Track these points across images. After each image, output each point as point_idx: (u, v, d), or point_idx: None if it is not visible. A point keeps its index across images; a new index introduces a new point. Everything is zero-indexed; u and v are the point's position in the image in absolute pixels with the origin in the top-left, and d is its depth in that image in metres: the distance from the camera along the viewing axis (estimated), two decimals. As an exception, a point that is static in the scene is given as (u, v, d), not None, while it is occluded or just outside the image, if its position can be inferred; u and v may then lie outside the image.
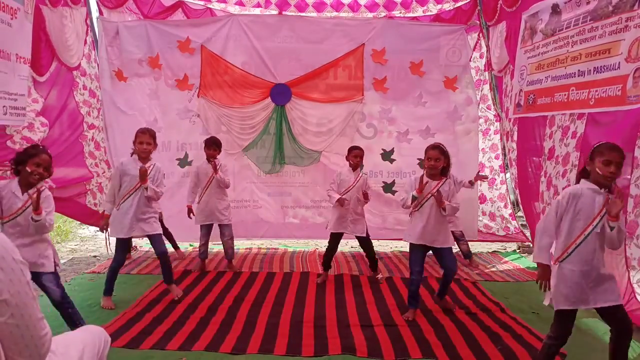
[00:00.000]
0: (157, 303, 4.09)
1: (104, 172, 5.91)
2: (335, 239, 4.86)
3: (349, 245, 6.71)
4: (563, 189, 4.31)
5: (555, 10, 4.40)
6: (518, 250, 6.45)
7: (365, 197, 4.66)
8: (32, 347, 1.29)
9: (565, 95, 4.20)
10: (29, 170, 2.98)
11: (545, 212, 2.83)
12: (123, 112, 6.13)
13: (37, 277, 3.07)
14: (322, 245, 6.70)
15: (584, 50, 3.95)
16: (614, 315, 2.69)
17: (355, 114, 6.36)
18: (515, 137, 5.46)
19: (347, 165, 4.82)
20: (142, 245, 6.49)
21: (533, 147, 5.12)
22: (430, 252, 3.96)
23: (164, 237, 4.45)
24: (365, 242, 4.86)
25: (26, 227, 3.06)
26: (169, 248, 5.96)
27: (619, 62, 3.51)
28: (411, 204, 3.82)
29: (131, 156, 4.10)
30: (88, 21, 5.62)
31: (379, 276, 4.99)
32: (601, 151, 2.64)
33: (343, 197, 4.60)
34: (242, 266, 5.40)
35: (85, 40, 5.55)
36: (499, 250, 6.64)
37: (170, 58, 6.16)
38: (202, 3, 6.57)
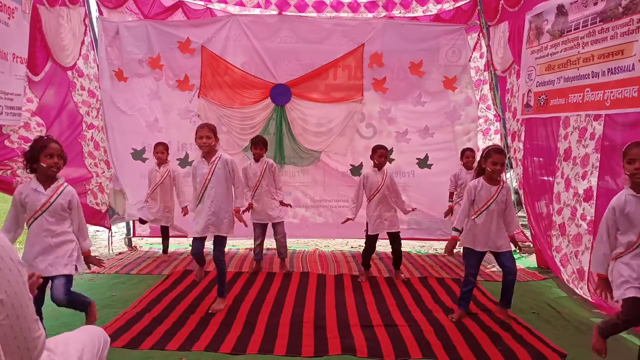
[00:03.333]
0: (157, 303, 4.08)
1: (104, 172, 5.89)
2: (372, 240, 4.84)
3: (349, 245, 6.70)
4: (584, 190, 4.29)
5: (561, 10, 4.36)
6: (518, 251, 6.42)
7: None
8: (24, 350, 1.27)
9: (580, 96, 4.17)
10: (45, 165, 2.85)
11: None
12: (123, 112, 6.15)
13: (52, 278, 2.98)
14: (322, 245, 6.71)
15: (596, 52, 3.92)
16: None
17: (355, 114, 6.37)
18: (522, 138, 5.42)
19: (370, 166, 4.82)
20: (142, 245, 6.49)
21: (542, 148, 5.08)
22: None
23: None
24: (396, 237, 4.85)
25: (54, 224, 2.94)
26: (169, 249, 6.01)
27: (633, 64, 3.50)
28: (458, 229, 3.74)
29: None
30: (87, 21, 5.60)
31: (402, 275, 4.99)
32: (625, 151, 2.69)
33: (350, 218, 4.85)
34: (243, 266, 5.40)
35: (84, 41, 5.53)
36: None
37: (171, 59, 6.18)
38: (202, 3, 6.56)
